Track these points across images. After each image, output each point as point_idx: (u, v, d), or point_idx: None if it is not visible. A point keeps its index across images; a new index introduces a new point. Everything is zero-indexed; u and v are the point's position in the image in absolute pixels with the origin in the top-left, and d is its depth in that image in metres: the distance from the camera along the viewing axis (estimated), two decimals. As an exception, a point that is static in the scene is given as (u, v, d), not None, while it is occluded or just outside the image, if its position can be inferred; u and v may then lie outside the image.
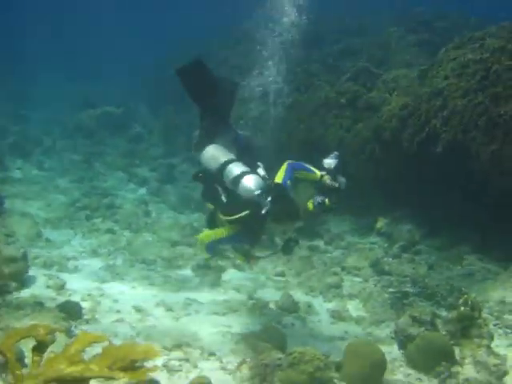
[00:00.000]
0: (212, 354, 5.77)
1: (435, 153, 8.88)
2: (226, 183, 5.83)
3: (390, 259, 9.39)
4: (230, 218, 5.71)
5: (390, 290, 8.16)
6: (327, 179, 5.82)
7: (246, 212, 5.53)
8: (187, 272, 8.77)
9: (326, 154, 6.06)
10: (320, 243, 10.31)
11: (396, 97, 10.50)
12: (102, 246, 9.52)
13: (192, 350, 5.81)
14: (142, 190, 13.98)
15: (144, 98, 22.69)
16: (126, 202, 12.52)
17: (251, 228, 5.67)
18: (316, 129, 11.86)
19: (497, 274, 8.43)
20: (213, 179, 6.03)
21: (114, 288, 7.74)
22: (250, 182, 5.58)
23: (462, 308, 5.81)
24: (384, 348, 6.05)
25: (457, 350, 5.65)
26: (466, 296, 5.92)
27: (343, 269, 9.13)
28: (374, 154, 10.61)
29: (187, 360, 5.55)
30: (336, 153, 6.04)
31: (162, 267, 8.91)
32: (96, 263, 8.74)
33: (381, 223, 10.46)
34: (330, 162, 5.94)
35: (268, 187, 5.60)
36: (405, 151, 9.63)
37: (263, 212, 5.41)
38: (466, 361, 5.55)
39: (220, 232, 5.93)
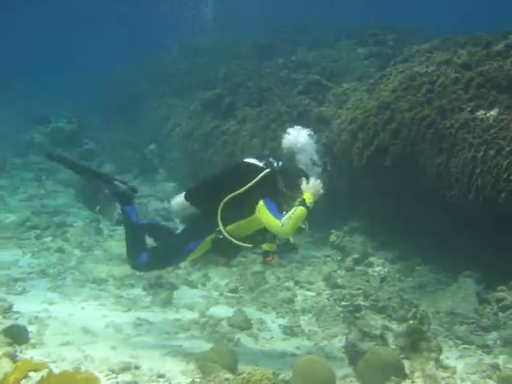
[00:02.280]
0: (161, 375, 5.64)
1: (385, 166, 8.95)
2: None
3: (343, 272, 9.44)
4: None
5: (343, 303, 8.19)
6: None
7: None
8: (139, 291, 8.64)
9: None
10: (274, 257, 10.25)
11: (346, 110, 10.58)
12: (51, 266, 9.31)
13: (141, 372, 5.69)
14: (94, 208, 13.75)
15: (97, 113, 22.49)
16: (78, 220, 12.33)
17: None
18: (269, 143, 11.87)
19: (447, 284, 8.50)
20: None
21: (63, 310, 7.55)
22: None
23: (411, 321, 5.84)
24: (335, 363, 6.06)
25: (407, 364, 5.66)
26: (414, 309, 5.96)
27: (296, 283, 9.11)
28: (325, 167, 10.64)
29: (135, 383, 5.44)
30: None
31: (113, 286, 8.75)
32: (45, 284, 8.54)
33: (334, 236, 10.49)
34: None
35: None
36: (355, 165, 9.69)
37: None
38: (416, 374, 5.56)
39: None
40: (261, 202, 5.56)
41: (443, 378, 5.56)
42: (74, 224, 11.93)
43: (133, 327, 7.10)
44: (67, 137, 19.05)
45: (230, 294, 8.75)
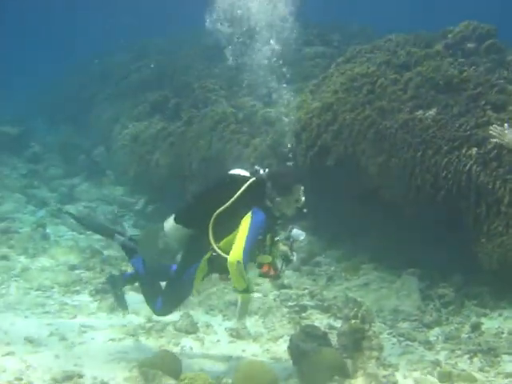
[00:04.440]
0: (105, 383, 5.63)
1: (328, 166, 9.05)
2: None
3: (291, 272, 9.49)
4: None
5: (289, 303, 8.24)
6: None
7: None
8: (85, 297, 8.54)
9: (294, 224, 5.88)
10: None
11: (290, 112, 10.65)
12: (-6, 275, 9.15)
13: (84, 380, 5.64)
14: (41, 212, 13.56)
15: (44, 116, 22.15)
16: (24, 226, 12.11)
17: None
18: (215, 144, 11.89)
19: (391, 282, 8.66)
20: None
21: (6, 319, 7.41)
22: None
23: (353, 321, 5.92)
24: (280, 365, 6.13)
25: (349, 363, 5.74)
26: (356, 309, 6.04)
27: (243, 285, 9.12)
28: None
29: (78, 392, 5.40)
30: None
31: (59, 293, 8.63)
32: (-13, 294, 8.39)
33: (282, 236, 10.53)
34: (298, 233, 5.80)
35: None
36: (300, 165, 9.77)
37: None
38: (358, 373, 5.65)
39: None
40: (248, 215, 5.36)
41: (384, 376, 5.67)
42: (20, 230, 11.70)
43: (77, 335, 7.00)
44: (12, 140, 18.65)
45: (178, 298, 8.71)
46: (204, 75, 15.33)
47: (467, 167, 7.80)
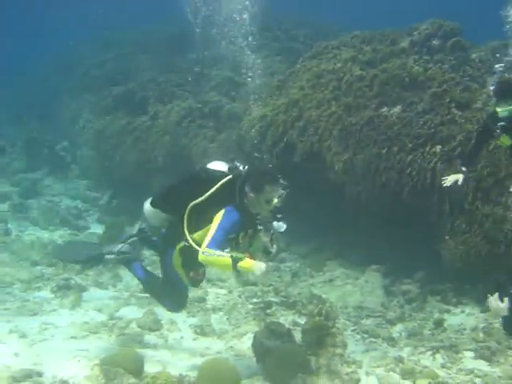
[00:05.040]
0: (64, 382, 5.51)
1: (294, 162, 9.03)
2: None
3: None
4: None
5: (254, 300, 8.22)
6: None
7: None
8: (46, 294, 8.40)
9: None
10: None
11: (256, 107, 10.61)
12: (-48, 272, 8.95)
13: (43, 379, 5.54)
14: (3, 207, 13.33)
15: (7, 110, 21.78)
16: (-15, 222, 11.89)
17: None
18: (181, 139, 11.80)
19: (356, 278, 8.69)
20: None
21: (-35, 318, 7.29)
22: None
23: (317, 318, 5.91)
24: (243, 362, 6.09)
25: (313, 360, 5.73)
26: (320, 306, 6.03)
27: (208, 281, 9.05)
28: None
29: (37, 391, 5.30)
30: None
31: (20, 290, 8.47)
32: None
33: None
34: (279, 225, 5.65)
35: None
36: (266, 162, 9.73)
37: None
38: (322, 371, 5.64)
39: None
40: (219, 213, 5.27)
41: (347, 374, 5.68)
42: (-20, 226, 11.48)
43: (38, 332, 6.88)
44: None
45: (141, 295, 8.59)
46: (170, 69, 15.20)
47: (431, 164, 7.85)
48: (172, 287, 5.95)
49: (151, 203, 5.83)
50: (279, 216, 5.50)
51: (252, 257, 5.38)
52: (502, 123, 5.67)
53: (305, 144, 8.95)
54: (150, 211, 5.88)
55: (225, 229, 5.22)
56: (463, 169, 6.30)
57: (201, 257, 5.12)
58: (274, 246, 5.77)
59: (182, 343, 6.99)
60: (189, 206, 5.44)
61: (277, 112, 9.72)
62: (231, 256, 5.07)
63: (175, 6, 12.04)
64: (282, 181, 5.57)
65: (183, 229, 5.46)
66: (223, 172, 5.59)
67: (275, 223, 5.63)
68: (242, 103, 11.68)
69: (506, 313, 4.77)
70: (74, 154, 16.90)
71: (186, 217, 5.47)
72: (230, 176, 5.48)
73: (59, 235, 11.29)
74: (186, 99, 12.52)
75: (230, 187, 5.41)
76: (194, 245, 5.33)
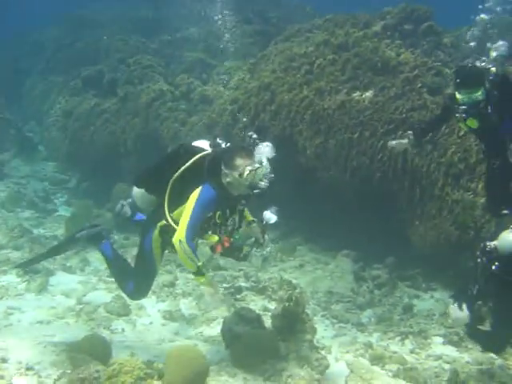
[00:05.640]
0: (30, 368, 5.38)
1: (265, 146, 8.96)
2: None
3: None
4: None
5: (224, 285, 8.16)
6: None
7: None
8: (12, 278, 8.24)
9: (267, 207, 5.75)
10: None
11: (228, 90, 10.52)
12: None
13: (8, 365, 5.42)
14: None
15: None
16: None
17: None
18: (151, 122, 11.65)
19: (326, 263, 8.69)
20: None
21: None
22: None
23: (287, 303, 5.88)
24: (213, 348, 6.05)
25: (283, 346, 5.71)
26: (290, 291, 6.00)
27: (178, 266, 8.97)
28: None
29: (1, 377, 5.17)
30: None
31: (-16, 274, 8.33)
32: None
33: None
34: (269, 216, 5.68)
35: None
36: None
37: None
38: (291, 356, 5.62)
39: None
40: (196, 190, 5.12)
41: (317, 359, 5.65)
42: None
43: (3, 317, 6.74)
44: None
45: (110, 279, 8.49)
46: (140, 51, 15.00)
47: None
48: (142, 272, 5.78)
49: (135, 182, 5.73)
50: (256, 191, 5.37)
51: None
52: (464, 107, 5.66)
53: (276, 128, 8.88)
54: (137, 192, 5.77)
55: (201, 206, 5.08)
56: (409, 132, 6.56)
57: (175, 242, 5.02)
58: (266, 237, 5.73)
59: (150, 329, 6.92)
60: (169, 184, 5.32)
61: (249, 95, 9.63)
62: (198, 266, 5.12)
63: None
64: (261, 159, 5.43)
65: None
66: (203, 149, 5.46)
67: (265, 214, 5.64)
68: (214, 86, 11.57)
69: (467, 320, 4.78)
70: (42, 135, 16.63)
71: (167, 195, 5.34)
72: (206, 152, 5.37)
73: (25, 218, 11.09)
74: (157, 82, 12.33)
75: (208, 164, 5.26)
76: (172, 223, 5.21)
